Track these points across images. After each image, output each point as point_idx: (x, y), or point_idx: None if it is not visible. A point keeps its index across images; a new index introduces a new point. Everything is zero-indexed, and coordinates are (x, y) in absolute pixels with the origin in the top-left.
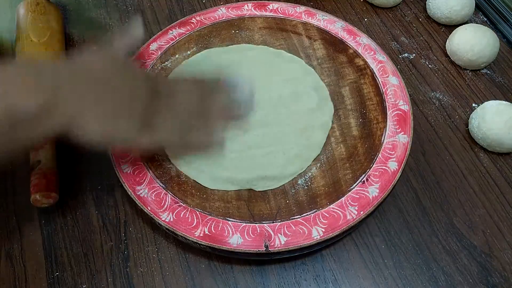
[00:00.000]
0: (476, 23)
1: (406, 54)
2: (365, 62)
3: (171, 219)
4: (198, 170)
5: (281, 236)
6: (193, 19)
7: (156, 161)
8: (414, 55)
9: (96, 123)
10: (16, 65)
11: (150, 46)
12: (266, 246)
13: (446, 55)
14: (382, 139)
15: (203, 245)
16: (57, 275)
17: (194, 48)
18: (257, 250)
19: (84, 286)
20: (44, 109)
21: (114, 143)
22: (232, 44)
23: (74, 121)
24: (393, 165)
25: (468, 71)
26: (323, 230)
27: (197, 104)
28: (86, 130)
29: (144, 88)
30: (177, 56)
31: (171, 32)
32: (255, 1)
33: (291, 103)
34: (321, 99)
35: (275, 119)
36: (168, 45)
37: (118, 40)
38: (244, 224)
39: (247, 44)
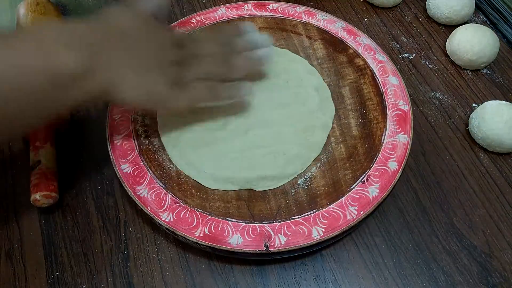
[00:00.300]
0: (476, 23)
1: (406, 54)
2: (365, 62)
3: (171, 219)
4: (198, 170)
5: (281, 236)
6: (193, 19)
7: (156, 161)
8: (414, 55)
9: (133, 82)
10: (55, 26)
11: None
12: (266, 246)
13: (446, 55)
14: (382, 139)
15: (203, 245)
16: (57, 275)
17: None
18: (257, 250)
19: (84, 286)
20: (85, 69)
21: (149, 103)
22: None
23: (112, 81)
24: (393, 165)
25: (468, 71)
26: (323, 230)
27: (223, 56)
28: (124, 90)
29: (172, 45)
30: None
31: None
32: (255, 1)
33: (293, 103)
34: (323, 100)
35: (276, 119)
36: None
37: (144, 4)
38: (244, 224)
39: None
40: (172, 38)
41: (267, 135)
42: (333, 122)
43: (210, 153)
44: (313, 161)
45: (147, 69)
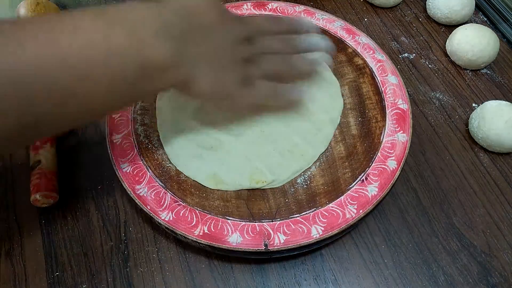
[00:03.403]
0: (476, 23)
1: (406, 54)
2: (364, 61)
3: (171, 218)
4: (197, 170)
5: (280, 235)
6: None
7: (155, 160)
8: (414, 55)
9: (210, 77)
10: (140, 9)
11: None
12: (266, 245)
13: (446, 55)
14: (381, 138)
15: (202, 244)
16: (57, 275)
17: None
18: (256, 249)
19: (84, 286)
20: (173, 61)
21: (219, 98)
22: None
23: (193, 74)
24: (392, 164)
25: (468, 71)
26: (322, 228)
27: (286, 55)
28: (200, 84)
29: (244, 39)
30: None
31: None
32: (255, 1)
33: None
34: (333, 95)
35: (281, 116)
36: None
37: None
38: (244, 223)
39: None
40: (243, 31)
41: (272, 133)
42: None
43: (210, 153)
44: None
45: (222, 65)
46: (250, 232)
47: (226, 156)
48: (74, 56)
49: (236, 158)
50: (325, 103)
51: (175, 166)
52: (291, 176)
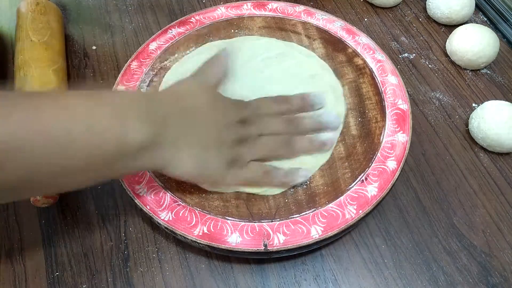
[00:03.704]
0: (476, 23)
1: (406, 54)
2: (364, 62)
3: (170, 218)
4: None
5: (280, 235)
6: (192, 18)
7: None
8: (414, 55)
9: (189, 160)
10: (128, 93)
11: (150, 45)
12: (265, 245)
13: (446, 55)
14: (381, 138)
15: (202, 244)
16: (57, 275)
17: (193, 48)
18: (256, 249)
19: (84, 286)
20: (151, 143)
21: (200, 180)
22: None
23: (171, 157)
24: (392, 164)
25: (468, 71)
26: (322, 229)
27: (286, 136)
28: (178, 166)
29: (237, 122)
30: (176, 55)
31: (170, 31)
32: (255, 1)
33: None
34: (336, 99)
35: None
36: (167, 44)
37: (209, 70)
38: (243, 223)
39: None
40: (239, 114)
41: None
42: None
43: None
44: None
45: (206, 148)
46: (249, 232)
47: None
48: (56, 128)
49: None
50: (328, 109)
51: None
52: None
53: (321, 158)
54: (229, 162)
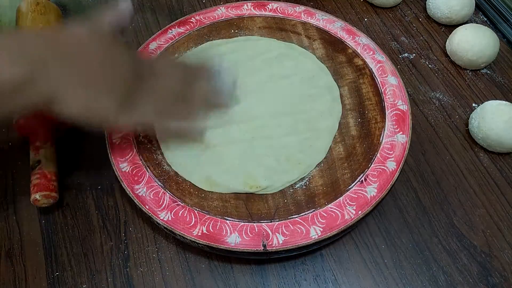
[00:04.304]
0: (476, 23)
1: (406, 54)
2: (364, 62)
3: (169, 218)
4: (192, 170)
5: (279, 236)
6: (192, 18)
7: (154, 160)
8: (414, 55)
9: (76, 97)
10: (3, 36)
11: (150, 45)
12: (264, 246)
13: (446, 55)
14: (381, 139)
15: (201, 244)
16: (57, 275)
17: (193, 47)
18: (255, 249)
19: (84, 286)
20: (25, 80)
21: (93, 120)
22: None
23: (54, 94)
24: (391, 165)
25: (468, 71)
26: (321, 229)
27: (179, 88)
28: (66, 104)
29: (128, 66)
30: (176, 55)
31: (170, 31)
32: (255, 1)
33: (303, 104)
34: (333, 101)
35: (282, 123)
36: (167, 44)
37: (105, 14)
38: (242, 223)
39: (254, 36)
40: (130, 60)
41: (270, 140)
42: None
43: (205, 154)
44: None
45: (95, 84)
46: (248, 232)
47: (221, 159)
48: None
49: (230, 161)
50: (324, 111)
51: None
52: (286, 184)
53: (317, 156)
54: (122, 100)
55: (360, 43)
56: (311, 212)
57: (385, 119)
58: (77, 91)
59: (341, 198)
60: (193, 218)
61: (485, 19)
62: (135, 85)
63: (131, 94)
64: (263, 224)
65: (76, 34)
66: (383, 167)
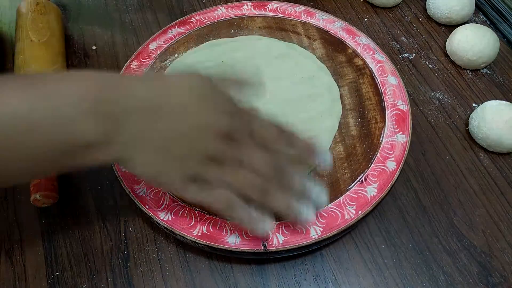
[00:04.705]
0: (476, 23)
1: (406, 54)
2: (364, 62)
3: (169, 218)
4: None
5: (279, 235)
6: (192, 18)
7: None
8: (414, 55)
9: (149, 162)
10: (78, 80)
11: (150, 45)
12: (264, 245)
13: (446, 55)
14: (381, 139)
15: (201, 244)
16: (57, 275)
17: (194, 48)
18: (255, 249)
19: (84, 286)
20: (101, 142)
21: (160, 186)
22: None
23: (126, 154)
24: (391, 165)
25: (468, 71)
26: (321, 229)
27: (266, 182)
28: (136, 167)
29: (221, 135)
30: (176, 55)
31: (170, 31)
32: (255, 1)
33: (303, 104)
34: (333, 101)
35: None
36: (167, 44)
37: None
38: None
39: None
40: (227, 125)
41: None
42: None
43: None
44: None
45: (166, 157)
46: (248, 232)
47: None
48: None
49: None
50: (324, 111)
51: None
52: None
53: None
54: (191, 177)
55: (360, 43)
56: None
57: (385, 119)
58: (150, 156)
59: (341, 198)
60: (193, 218)
61: (485, 19)
62: (220, 161)
63: (209, 169)
64: None
65: (176, 82)
66: (383, 167)
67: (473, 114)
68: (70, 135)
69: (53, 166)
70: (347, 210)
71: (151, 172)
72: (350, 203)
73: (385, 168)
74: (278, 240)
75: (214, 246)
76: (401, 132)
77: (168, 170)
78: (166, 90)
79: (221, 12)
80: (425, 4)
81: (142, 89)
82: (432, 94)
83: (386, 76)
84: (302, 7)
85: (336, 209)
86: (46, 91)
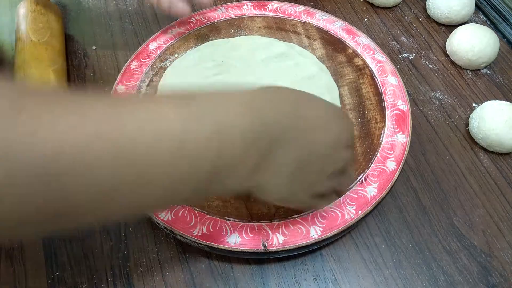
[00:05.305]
0: (476, 23)
1: (406, 54)
2: (364, 62)
3: (170, 218)
4: None
5: (279, 235)
6: (192, 18)
7: None
8: (414, 55)
9: (276, 191)
10: (233, 99)
11: (150, 45)
12: (264, 245)
13: (446, 55)
14: (381, 139)
15: (201, 244)
16: (57, 275)
17: (194, 48)
18: (255, 249)
19: (84, 286)
20: (251, 167)
21: (286, 205)
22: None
23: (258, 183)
24: (391, 165)
25: (468, 71)
26: (321, 229)
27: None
28: (262, 194)
29: (343, 148)
30: (176, 55)
31: (170, 31)
32: (255, 1)
33: None
34: (332, 101)
35: None
36: (167, 44)
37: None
38: (242, 223)
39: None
40: (346, 137)
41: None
42: None
43: None
44: None
45: (298, 179)
46: (248, 232)
47: None
48: (140, 143)
49: None
50: None
51: None
52: None
53: None
54: (318, 194)
55: (360, 43)
56: (311, 212)
57: (385, 119)
58: (278, 182)
59: (341, 198)
60: (193, 218)
61: (485, 19)
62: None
63: (331, 185)
64: (263, 224)
65: (317, 110)
66: (383, 167)
67: (473, 114)
68: (219, 164)
69: (187, 197)
70: (347, 210)
71: (282, 196)
72: (350, 203)
73: (385, 168)
74: (278, 240)
75: (214, 246)
76: (401, 132)
77: (297, 191)
78: (302, 111)
79: (221, 12)
80: (425, 4)
81: (284, 115)
82: (432, 94)
83: (386, 76)
84: (302, 7)
85: (336, 209)
86: (204, 110)
